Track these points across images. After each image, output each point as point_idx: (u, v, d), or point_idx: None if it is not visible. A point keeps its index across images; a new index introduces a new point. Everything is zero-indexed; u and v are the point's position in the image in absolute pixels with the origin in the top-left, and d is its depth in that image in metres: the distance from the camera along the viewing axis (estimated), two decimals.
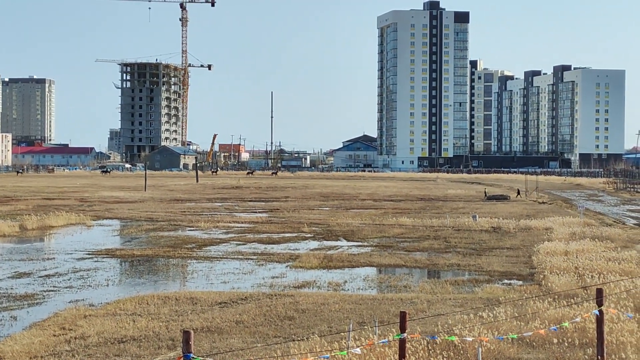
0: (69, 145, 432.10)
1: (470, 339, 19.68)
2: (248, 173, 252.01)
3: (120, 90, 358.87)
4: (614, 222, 67.66)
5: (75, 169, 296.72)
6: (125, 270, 41.72)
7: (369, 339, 20.83)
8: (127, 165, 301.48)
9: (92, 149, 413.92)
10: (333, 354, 18.46)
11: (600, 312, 19.76)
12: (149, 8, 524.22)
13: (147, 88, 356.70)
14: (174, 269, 42.05)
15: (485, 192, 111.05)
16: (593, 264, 37.38)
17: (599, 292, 20.02)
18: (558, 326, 21.44)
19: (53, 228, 63.39)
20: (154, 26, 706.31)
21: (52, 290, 34.64)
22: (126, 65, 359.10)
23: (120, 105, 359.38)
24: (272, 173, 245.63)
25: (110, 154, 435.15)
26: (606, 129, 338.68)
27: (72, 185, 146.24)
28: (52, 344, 23.71)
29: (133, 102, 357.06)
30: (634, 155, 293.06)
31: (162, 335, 24.37)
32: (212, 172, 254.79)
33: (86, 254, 47.27)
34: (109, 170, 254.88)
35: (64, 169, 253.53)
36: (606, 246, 45.97)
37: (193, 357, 14.58)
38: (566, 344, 21.59)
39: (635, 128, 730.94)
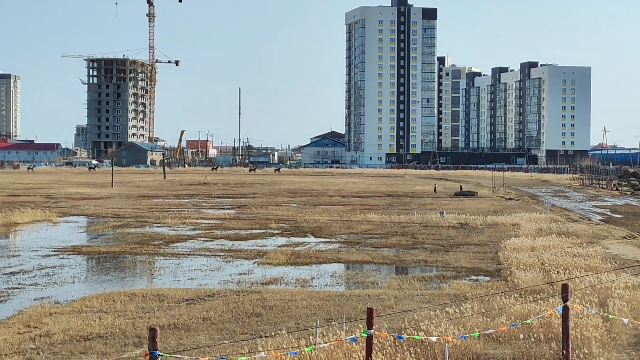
0: (35, 142, 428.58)
1: (435, 339, 19.71)
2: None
3: (86, 86, 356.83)
4: (580, 218, 68.14)
5: (41, 165, 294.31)
6: (92, 267, 41.48)
7: (336, 336, 20.84)
8: (94, 162, 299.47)
9: (58, 145, 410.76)
10: (300, 350, 18.45)
11: (566, 307, 19.89)
12: (116, 3, 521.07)
13: (114, 84, 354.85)
14: (141, 266, 41.88)
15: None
16: (559, 259, 37.64)
17: (565, 287, 20.15)
18: (524, 321, 21.57)
19: (18, 225, 62.88)
20: (120, 22, 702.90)
21: (16, 288, 34.36)
22: (93, 60, 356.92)
23: (86, 101, 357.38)
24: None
25: (77, 150, 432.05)
26: (572, 125, 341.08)
27: (37, 181, 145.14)
28: (17, 341, 23.52)
29: (100, 98, 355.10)
30: (599, 152, 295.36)
31: (128, 333, 24.25)
32: (182, 166, 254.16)
33: (52, 251, 46.94)
34: (93, 167, 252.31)
35: (29, 166, 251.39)
36: (572, 242, 46.32)
37: (159, 354, 14.52)
38: (532, 339, 21.71)
39: (601, 124, 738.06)
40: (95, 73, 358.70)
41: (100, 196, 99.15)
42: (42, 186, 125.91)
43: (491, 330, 20.36)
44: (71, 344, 22.92)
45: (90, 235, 56.31)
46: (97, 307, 28.66)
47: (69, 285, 35.07)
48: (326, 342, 19.52)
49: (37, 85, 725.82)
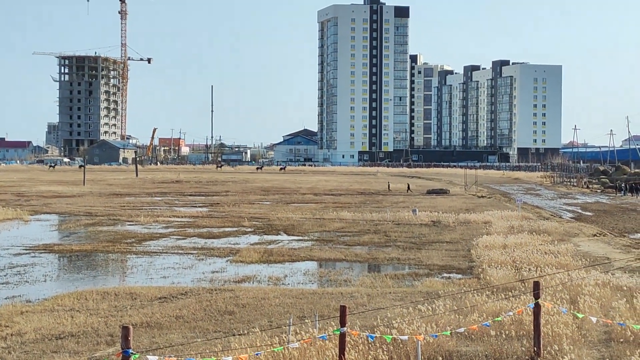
0: (6, 139, 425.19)
1: (406, 338, 19.78)
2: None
3: (58, 83, 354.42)
4: (551, 215, 68.59)
5: (12, 162, 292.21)
6: (64, 266, 41.28)
7: (309, 334, 20.88)
8: (66, 160, 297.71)
9: (29, 143, 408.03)
10: (271, 350, 18.47)
11: (537, 304, 20.05)
12: (88, 0, 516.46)
13: (86, 81, 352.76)
14: (113, 264, 41.74)
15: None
16: (530, 257, 37.94)
17: (536, 284, 20.32)
18: (495, 319, 21.72)
19: None
20: (92, 19, 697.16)
21: None
22: (64, 58, 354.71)
23: (58, 99, 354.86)
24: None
25: (48, 148, 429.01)
26: (544, 123, 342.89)
27: (8, 179, 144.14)
28: None
29: (71, 95, 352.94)
30: (570, 150, 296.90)
31: (100, 331, 24.18)
32: (154, 164, 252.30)
33: (23, 249, 46.66)
34: (53, 165, 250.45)
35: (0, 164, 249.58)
36: (543, 239, 46.66)
37: (132, 353, 14.50)
38: (504, 336, 21.85)
39: (572, 122, 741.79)
40: (67, 70, 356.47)
41: (72, 194, 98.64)
42: (13, 184, 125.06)
43: (462, 329, 20.43)
44: (43, 343, 22.82)
45: (62, 234, 56.03)
46: (69, 305, 28.54)
47: (40, 284, 34.89)
48: (298, 341, 19.56)
49: (8, 82, 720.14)
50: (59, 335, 23.71)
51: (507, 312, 23.24)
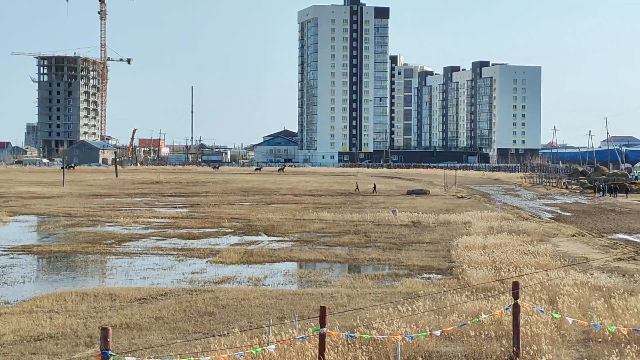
0: None
1: (385, 337, 19.80)
2: (257, 169, 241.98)
3: (37, 84, 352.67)
4: (531, 216, 68.89)
5: None
6: (43, 267, 41.11)
7: (289, 334, 20.88)
8: (45, 160, 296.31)
9: (8, 143, 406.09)
10: (248, 352, 18.45)
11: (516, 304, 20.13)
12: (67, 0, 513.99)
13: (65, 82, 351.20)
14: (92, 265, 41.60)
15: (357, 185, 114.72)
16: (510, 257, 38.12)
17: (515, 285, 20.40)
18: (473, 319, 21.79)
19: None
20: (72, 19, 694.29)
21: None
22: (43, 58, 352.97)
23: (37, 100, 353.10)
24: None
25: (27, 148, 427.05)
26: (523, 124, 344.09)
27: None
28: None
29: (51, 96, 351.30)
30: (550, 150, 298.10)
31: (79, 333, 24.10)
32: (134, 164, 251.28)
33: (1, 250, 46.41)
34: (73, 165, 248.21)
35: None
36: (523, 240, 46.88)
37: (111, 354, 14.46)
38: (483, 336, 21.93)
39: (551, 123, 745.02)
40: (46, 71, 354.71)
41: (52, 195, 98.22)
42: None
43: (438, 332, 20.43)
44: (21, 345, 22.72)
45: (41, 235, 55.78)
46: (48, 307, 28.42)
47: (19, 285, 34.72)
48: (277, 342, 19.56)
49: None
50: (37, 337, 23.61)
51: (488, 312, 23.34)
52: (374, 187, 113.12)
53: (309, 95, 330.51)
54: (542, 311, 22.43)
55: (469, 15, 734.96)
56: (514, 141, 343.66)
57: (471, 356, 20.50)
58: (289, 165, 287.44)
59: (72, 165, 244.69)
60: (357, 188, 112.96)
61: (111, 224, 62.50)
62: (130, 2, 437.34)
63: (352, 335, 19.77)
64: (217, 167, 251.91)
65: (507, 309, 21.06)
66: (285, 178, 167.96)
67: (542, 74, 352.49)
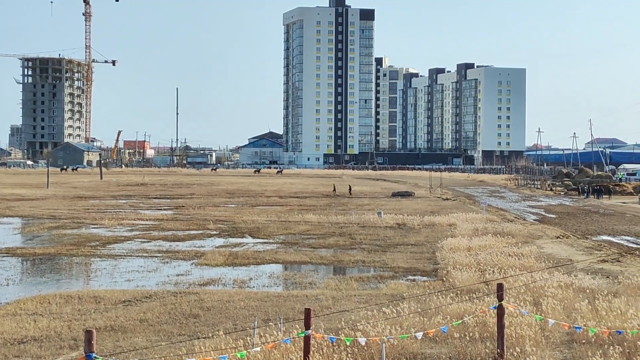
0: None
1: (364, 341, 19.76)
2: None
3: (21, 85, 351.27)
4: (515, 218, 69.05)
5: None
6: (27, 269, 40.95)
7: (274, 337, 20.87)
8: (29, 162, 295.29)
9: None
10: (232, 355, 18.43)
11: (501, 306, 20.17)
12: (51, 2, 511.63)
13: (50, 83, 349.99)
14: (77, 268, 41.45)
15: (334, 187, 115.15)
16: (494, 259, 38.18)
17: (500, 286, 20.44)
18: (455, 322, 21.84)
19: None
20: (56, 20, 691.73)
21: None
22: (28, 60, 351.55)
23: (21, 101, 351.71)
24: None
25: (11, 150, 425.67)
26: (508, 126, 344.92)
27: None
28: None
29: (35, 97, 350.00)
30: (534, 152, 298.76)
31: (64, 335, 24.02)
32: (119, 166, 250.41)
33: None
34: (67, 167, 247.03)
35: None
36: (507, 242, 46.98)
37: (95, 357, 14.42)
38: (468, 338, 21.97)
39: (536, 125, 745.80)
40: (30, 72, 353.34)
41: (36, 197, 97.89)
42: None
43: (420, 334, 20.42)
44: (5, 348, 22.63)
45: (25, 237, 55.56)
46: (32, 309, 28.32)
47: (2, 288, 34.59)
48: (261, 345, 19.54)
49: None
50: (21, 339, 23.52)
51: (472, 314, 23.38)
52: (350, 188, 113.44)
53: (294, 97, 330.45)
54: (526, 313, 22.49)
55: (455, 17, 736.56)
56: (499, 143, 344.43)
57: (456, 358, 20.54)
58: (275, 167, 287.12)
59: (66, 167, 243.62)
60: (334, 189, 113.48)
61: (96, 226, 62.33)
62: (115, 4, 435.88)
63: (334, 338, 19.76)
64: (215, 170, 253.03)
65: (493, 308, 21.08)
66: (271, 180, 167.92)
67: (527, 76, 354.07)
